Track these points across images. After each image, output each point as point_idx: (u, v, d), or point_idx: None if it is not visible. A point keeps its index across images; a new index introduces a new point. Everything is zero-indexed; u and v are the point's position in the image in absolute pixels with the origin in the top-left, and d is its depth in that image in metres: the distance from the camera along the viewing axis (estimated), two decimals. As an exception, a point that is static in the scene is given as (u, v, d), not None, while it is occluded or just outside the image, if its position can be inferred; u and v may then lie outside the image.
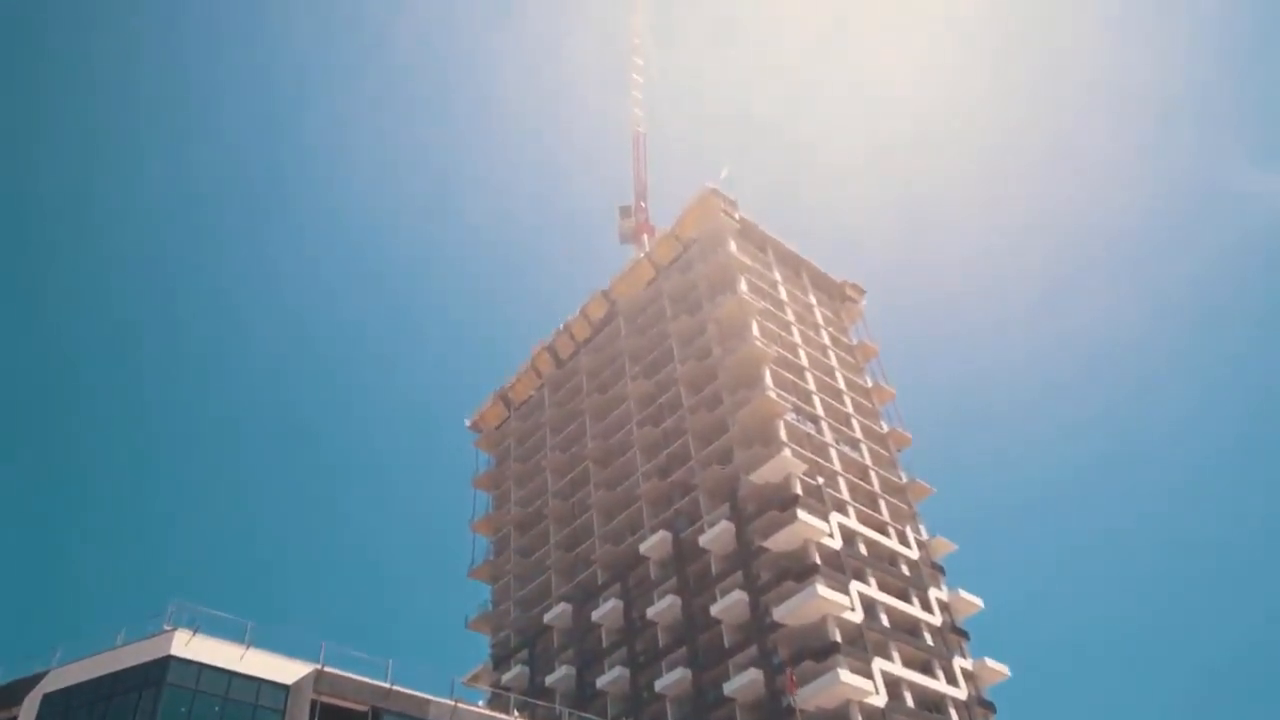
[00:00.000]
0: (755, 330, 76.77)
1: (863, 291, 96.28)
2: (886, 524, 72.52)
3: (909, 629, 65.72)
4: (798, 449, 69.86)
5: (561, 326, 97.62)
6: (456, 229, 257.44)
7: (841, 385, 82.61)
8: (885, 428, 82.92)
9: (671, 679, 64.61)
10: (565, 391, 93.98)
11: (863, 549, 68.00)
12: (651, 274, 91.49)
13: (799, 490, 66.09)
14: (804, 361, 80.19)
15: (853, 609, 61.28)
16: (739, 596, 63.41)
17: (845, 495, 71.12)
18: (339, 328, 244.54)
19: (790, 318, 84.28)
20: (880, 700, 57.81)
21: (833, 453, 73.83)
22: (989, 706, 65.39)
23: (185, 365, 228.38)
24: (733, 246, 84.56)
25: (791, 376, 77.11)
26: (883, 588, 66.38)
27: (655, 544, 71.63)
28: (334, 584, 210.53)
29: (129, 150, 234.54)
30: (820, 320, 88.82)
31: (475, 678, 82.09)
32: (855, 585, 63.41)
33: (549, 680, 74.42)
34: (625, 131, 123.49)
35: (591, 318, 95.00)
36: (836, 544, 65.19)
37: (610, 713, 68.76)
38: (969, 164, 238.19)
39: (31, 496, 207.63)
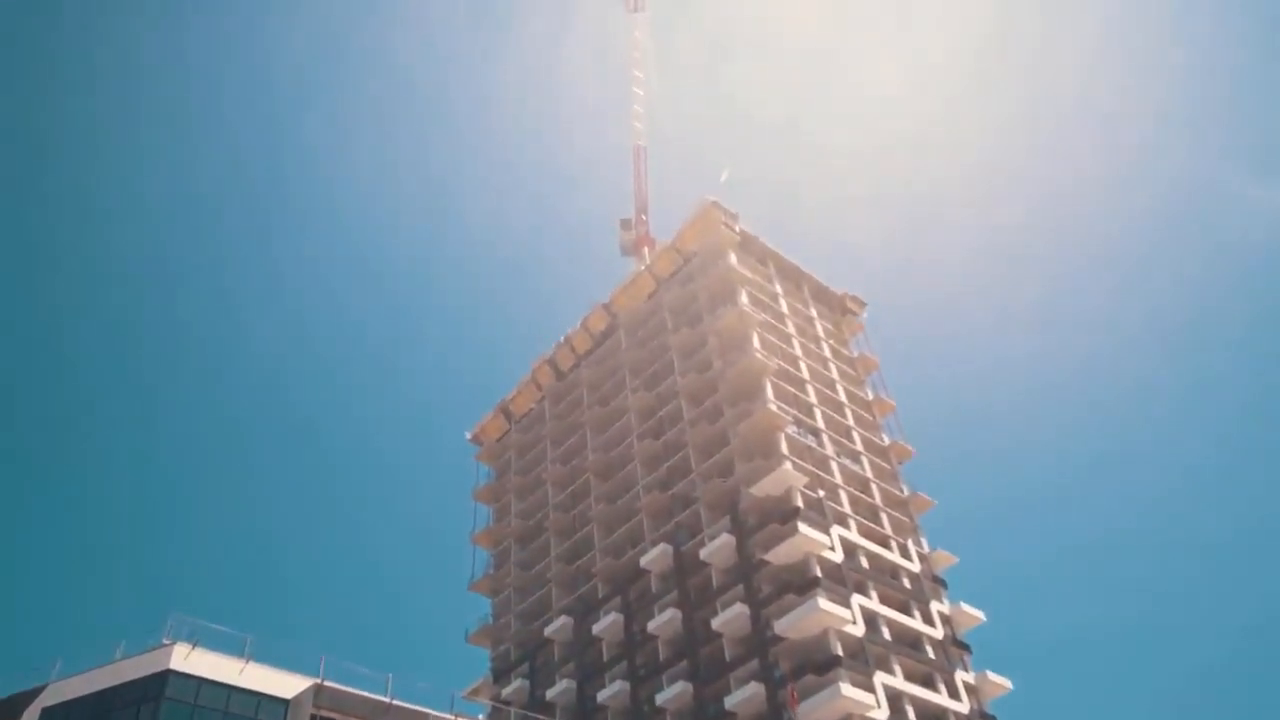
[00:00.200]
0: (756, 343, 76.78)
1: (863, 304, 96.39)
2: (888, 537, 72.35)
3: (911, 642, 65.49)
4: (799, 462, 69.75)
5: (562, 339, 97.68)
6: (457, 241, 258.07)
7: (842, 398, 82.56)
8: (886, 440, 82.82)
9: (672, 693, 64.34)
10: (566, 404, 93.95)
11: (864, 562, 67.83)
12: (652, 287, 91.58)
13: (800, 503, 65.96)
14: (805, 374, 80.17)
15: (854, 622, 61.07)
16: (740, 610, 63.21)
17: (846, 508, 70.97)
18: (340, 338, 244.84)
19: (791, 330, 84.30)
20: (882, 714, 57.48)
21: (834, 465, 73.73)
22: (991, 720, 65.17)
23: (187, 375, 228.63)
24: (733, 259, 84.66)
25: (792, 389, 77.07)
26: (884, 601, 66.19)
27: (656, 557, 71.47)
28: (334, 597, 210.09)
29: (131, 154, 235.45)
30: (821, 333, 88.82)
31: (475, 691, 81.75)
32: (857, 598, 63.23)
33: (549, 694, 74.14)
34: (626, 144, 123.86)
35: (592, 330, 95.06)
36: (838, 557, 65.04)
37: (611, 727, 68.51)
38: (968, 168, 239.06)
39: (30, 507, 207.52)
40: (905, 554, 72.38)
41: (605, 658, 73.09)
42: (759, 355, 75.39)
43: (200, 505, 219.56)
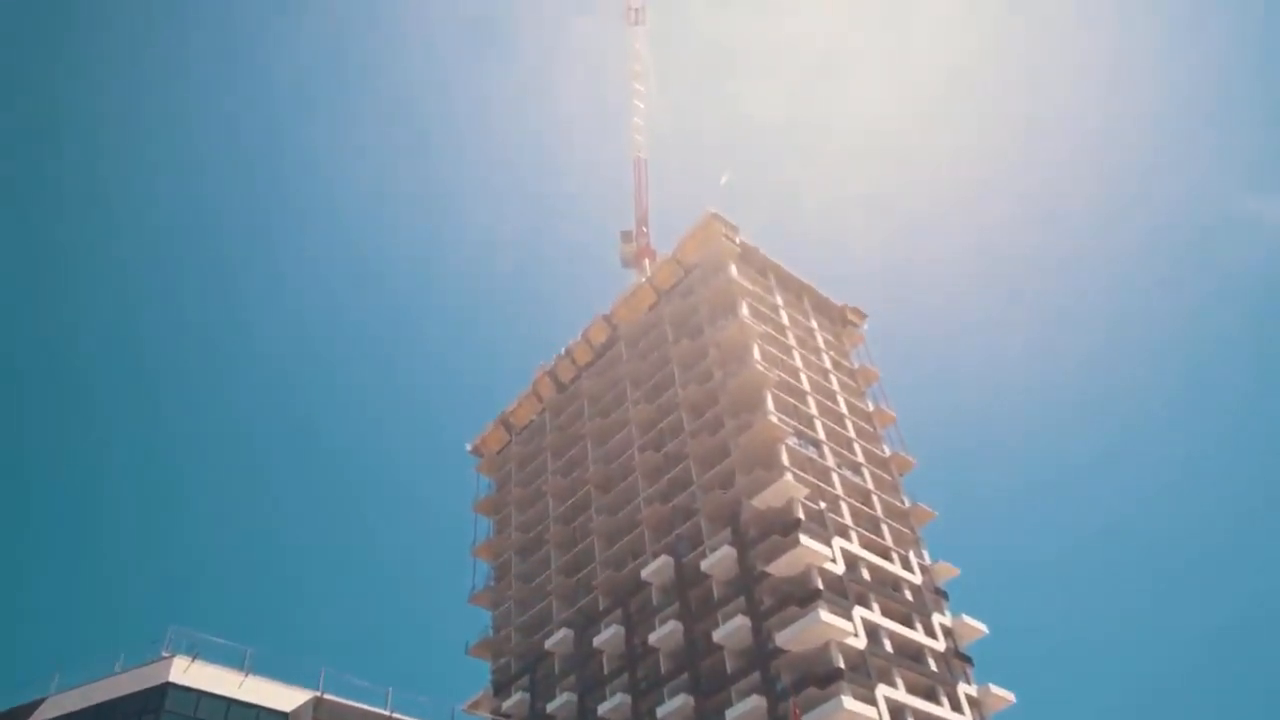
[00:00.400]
0: (757, 354, 76.78)
1: (864, 315, 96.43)
2: (889, 548, 72.16)
3: (913, 655, 65.22)
4: (800, 473, 69.61)
5: (563, 351, 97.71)
6: (458, 252, 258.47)
7: (843, 409, 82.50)
8: (887, 452, 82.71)
9: (673, 706, 64.03)
10: (567, 416, 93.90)
11: (865, 574, 67.63)
12: (653, 298, 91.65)
13: (801, 515, 65.84)
14: (805, 385, 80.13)
15: (856, 635, 60.85)
16: (741, 622, 63.00)
17: (847, 520, 70.83)
18: (340, 349, 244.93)
19: (792, 342, 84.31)
20: (884, 727, 57.28)
21: (835, 477, 73.62)
22: (994, 733, 64.89)
23: (188, 385, 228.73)
24: (734, 271, 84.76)
25: (793, 400, 77.02)
26: (886, 613, 65.96)
27: (657, 569, 71.29)
28: (334, 610, 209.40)
29: (137, 157, 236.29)
30: (821, 344, 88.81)
31: (476, 705, 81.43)
32: (858, 611, 63.02)
33: (550, 707, 73.85)
34: (626, 156, 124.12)
35: (593, 342, 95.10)
36: (839, 569, 64.88)
37: (612, 740, 68.19)
38: (969, 175, 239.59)
39: (29, 519, 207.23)
40: (907, 566, 72.19)
41: (606, 670, 72.83)
42: (760, 367, 75.37)
43: (200, 517, 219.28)
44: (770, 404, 73.20)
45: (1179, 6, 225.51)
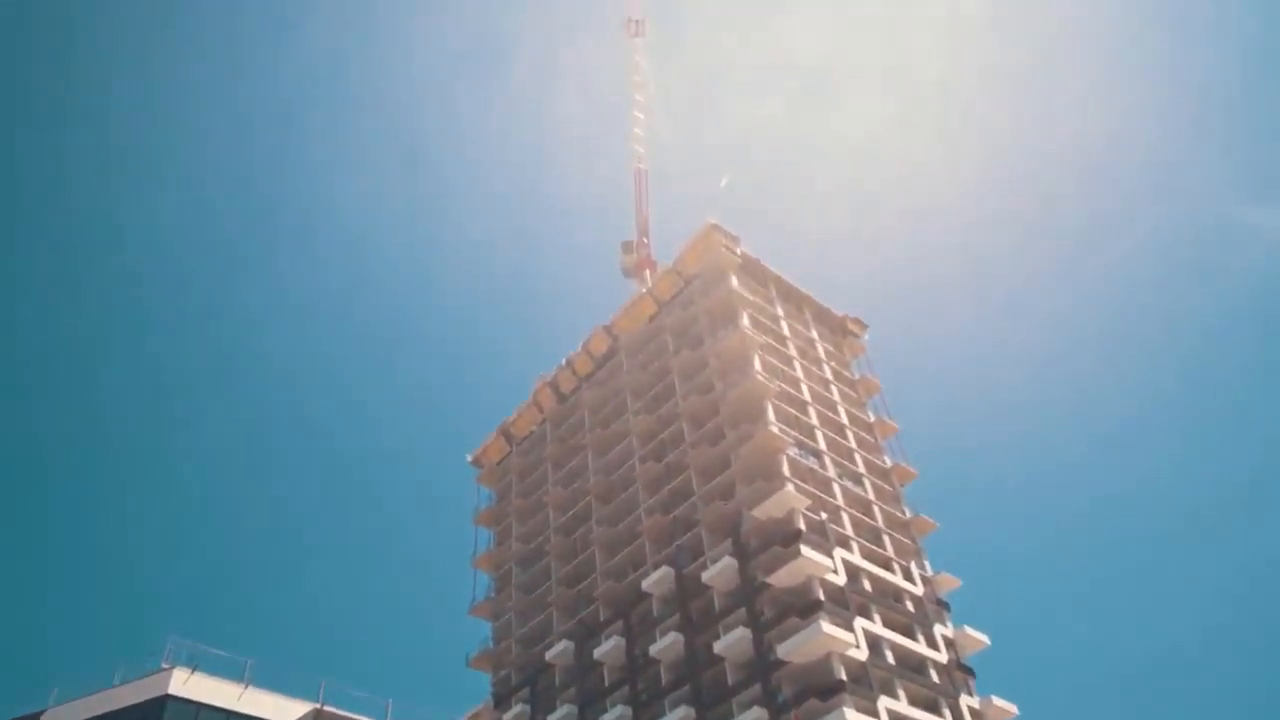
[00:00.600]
0: (757, 365, 76.71)
1: (865, 326, 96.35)
2: (891, 559, 71.94)
3: (914, 666, 64.93)
4: (801, 484, 69.49)
5: (563, 361, 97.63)
6: (459, 262, 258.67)
7: (844, 420, 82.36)
8: (888, 462, 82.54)
9: (674, 718, 63.63)
10: (567, 426, 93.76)
11: (867, 585, 67.40)
12: (653, 309, 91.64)
13: (802, 525, 65.65)
14: (806, 396, 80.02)
15: (857, 646, 60.57)
16: (742, 633, 62.73)
17: (849, 531, 70.63)
18: (340, 360, 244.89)
19: (792, 352, 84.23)
20: (886, 739, 57.01)
21: (836, 488, 73.46)
22: (996, 745, 64.53)
23: (187, 398, 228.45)
24: (734, 281, 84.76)
25: (794, 411, 76.91)
26: (888, 624, 65.70)
27: (657, 580, 71.07)
28: (335, 621, 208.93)
29: (144, 169, 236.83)
30: (822, 355, 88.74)
31: (476, 717, 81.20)
32: (860, 622, 62.75)
33: (550, 719, 73.49)
34: (627, 166, 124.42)
35: (593, 353, 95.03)
36: (840, 580, 64.66)
37: (612, 752, 67.83)
38: (969, 181, 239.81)
39: (27, 530, 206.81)
40: (908, 577, 71.96)
41: (607, 682, 72.52)
42: (760, 377, 75.29)
43: (202, 526, 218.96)
44: (771, 415, 73.09)
45: (1177, 16, 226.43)
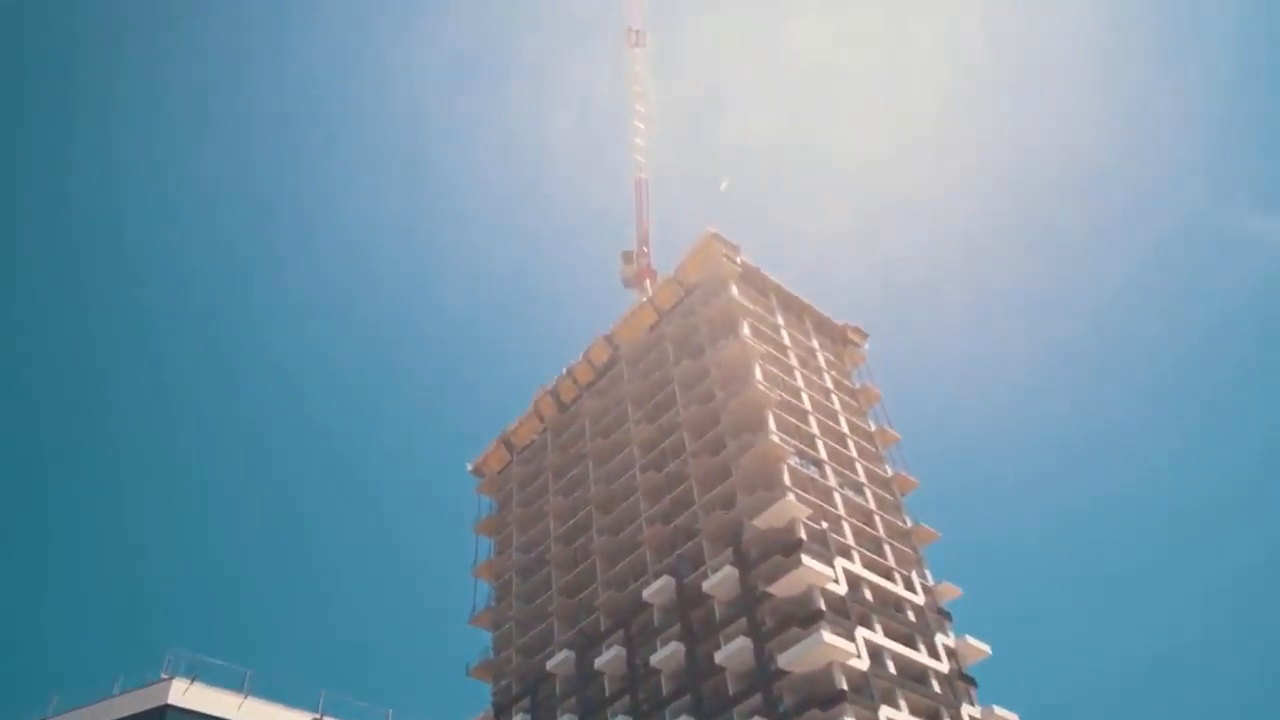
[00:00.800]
0: (758, 374, 76.70)
1: (865, 335, 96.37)
2: (892, 569, 71.81)
3: (916, 676, 64.74)
4: (801, 493, 69.40)
5: (564, 371, 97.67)
6: (458, 272, 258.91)
7: (845, 429, 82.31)
8: (889, 472, 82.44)
9: (675, 728, 63.61)
10: (568, 436, 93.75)
11: (868, 594, 67.27)
12: (654, 318, 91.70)
13: (803, 535, 65.55)
14: (807, 405, 79.99)
15: (859, 656, 60.39)
16: (743, 643, 62.59)
17: (850, 540, 70.50)
18: (341, 371, 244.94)
19: (793, 361, 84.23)
20: (888, 750, 56.81)
21: (837, 497, 73.35)
22: (998, 756, 64.31)
23: (189, 403, 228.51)
24: (735, 291, 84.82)
25: (794, 420, 76.86)
26: (889, 634, 65.53)
27: (658, 590, 70.95)
28: (335, 631, 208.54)
29: (151, 170, 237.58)
30: (823, 364, 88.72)
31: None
32: (861, 631, 62.60)
33: (551, 729, 73.33)
34: (627, 175, 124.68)
35: (594, 362, 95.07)
36: (842, 589, 64.54)
37: (613, 763, 67.66)
38: (969, 190, 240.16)
39: (25, 540, 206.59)
40: (909, 586, 71.80)
41: (607, 692, 72.33)
42: (761, 387, 75.27)
43: (201, 536, 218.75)
44: (772, 424, 73.05)
45: (1177, 26, 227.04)
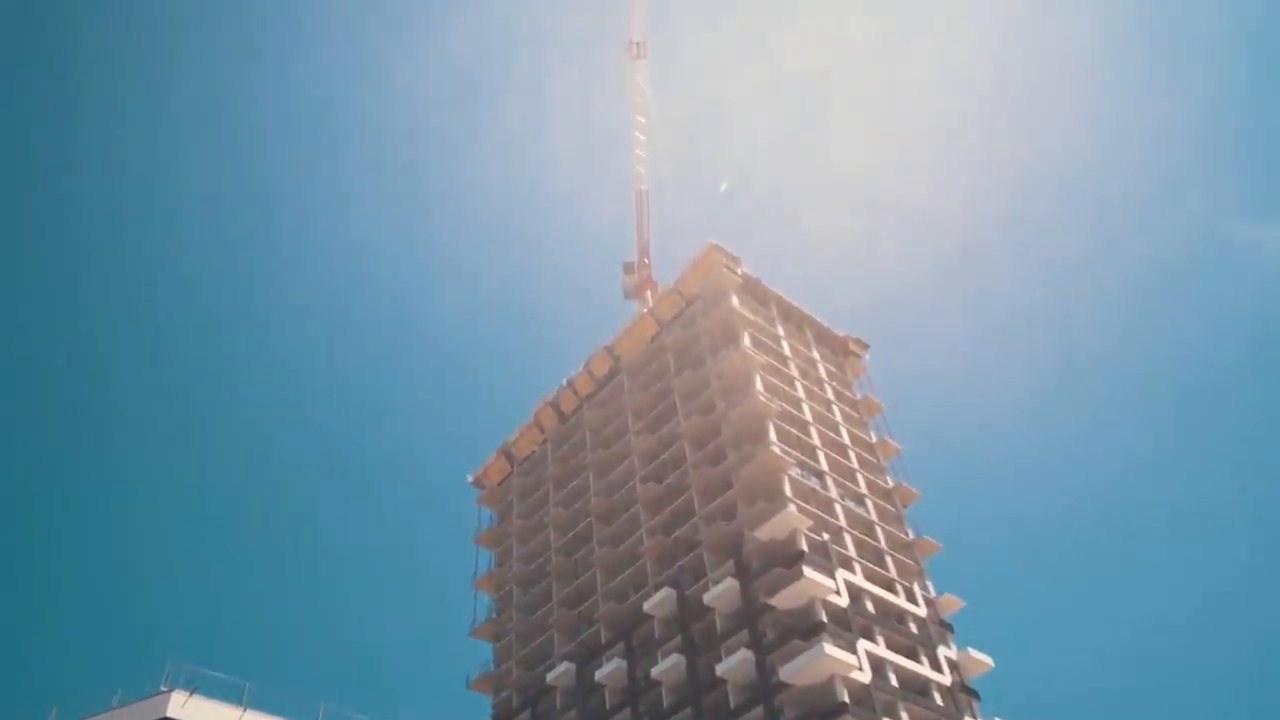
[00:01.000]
0: (759, 385, 76.63)
1: (866, 346, 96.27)
2: (894, 581, 71.57)
3: (918, 689, 64.45)
4: (803, 504, 69.24)
5: (565, 382, 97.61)
6: (458, 283, 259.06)
7: (846, 440, 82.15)
8: (891, 483, 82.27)
9: (676, 741, 63.32)
10: (568, 447, 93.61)
11: (870, 606, 67.03)
12: (655, 329, 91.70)
13: (804, 546, 65.36)
14: (808, 416, 79.86)
15: (860, 668, 60.14)
16: (744, 655, 62.34)
17: (851, 551, 70.29)
18: (338, 383, 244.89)
19: (794, 372, 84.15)
20: (890, 763, 56.52)
21: (838, 508, 73.17)
22: (1001, 769, 64.04)
23: (191, 411, 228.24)
24: (735, 301, 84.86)
25: (795, 431, 76.74)
26: (891, 646, 65.25)
27: (659, 601, 70.72)
28: (334, 643, 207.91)
29: (159, 174, 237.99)
30: (824, 375, 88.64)
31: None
32: (863, 644, 62.35)
33: (551, 742, 72.99)
34: (629, 186, 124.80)
35: (595, 373, 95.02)
36: (843, 601, 64.31)
37: (614, 776, 67.31)
38: (967, 200, 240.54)
39: (24, 552, 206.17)
40: (911, 598, 71.56)
41: (608, 704, 72.00)
42: (762, 397, 75.20)
43: (201, 546, 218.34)
44: (773, 435, 72.94)
45: (1174, 38, 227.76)
